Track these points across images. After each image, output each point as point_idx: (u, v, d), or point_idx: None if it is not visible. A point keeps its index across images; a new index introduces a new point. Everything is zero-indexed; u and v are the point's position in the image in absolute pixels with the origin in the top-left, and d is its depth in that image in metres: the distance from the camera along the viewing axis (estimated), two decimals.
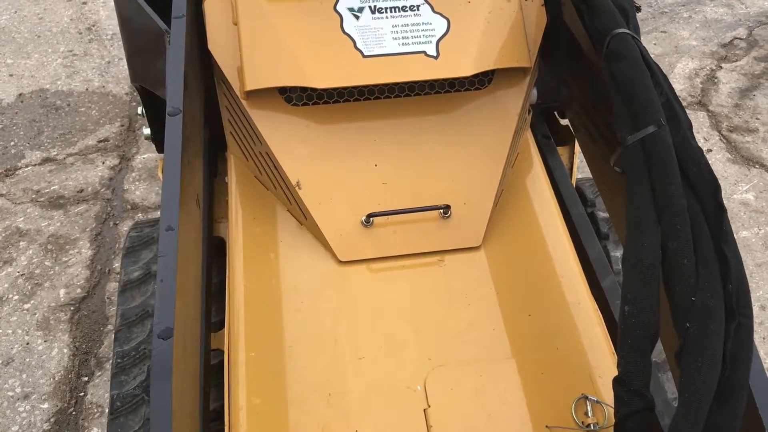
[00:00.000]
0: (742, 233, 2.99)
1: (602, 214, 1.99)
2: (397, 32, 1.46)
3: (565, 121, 2.12)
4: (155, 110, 1.81)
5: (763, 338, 2.63)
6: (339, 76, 1.44)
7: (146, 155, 3.27)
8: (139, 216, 2.97)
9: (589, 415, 1.27)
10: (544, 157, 1.73)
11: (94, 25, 4.13)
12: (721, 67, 3.97)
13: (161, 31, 1.44)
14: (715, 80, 3.87)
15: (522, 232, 1.54)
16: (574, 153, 2.00)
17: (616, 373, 1.35)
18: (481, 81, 1.55)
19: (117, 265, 2.76)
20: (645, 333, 1.00)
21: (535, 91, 1.66)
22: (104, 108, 3.55)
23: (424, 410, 1.26)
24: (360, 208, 1.47)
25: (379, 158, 1.51)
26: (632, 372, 0.99)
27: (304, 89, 1.50)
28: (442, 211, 1.46)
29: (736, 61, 4.03)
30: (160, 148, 1.91)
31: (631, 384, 0.99)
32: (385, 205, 1.47)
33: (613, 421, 1.24)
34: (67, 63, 3.84)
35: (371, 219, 1.45)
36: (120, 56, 3.89)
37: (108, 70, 3.81)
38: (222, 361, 1.51)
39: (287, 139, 1.49)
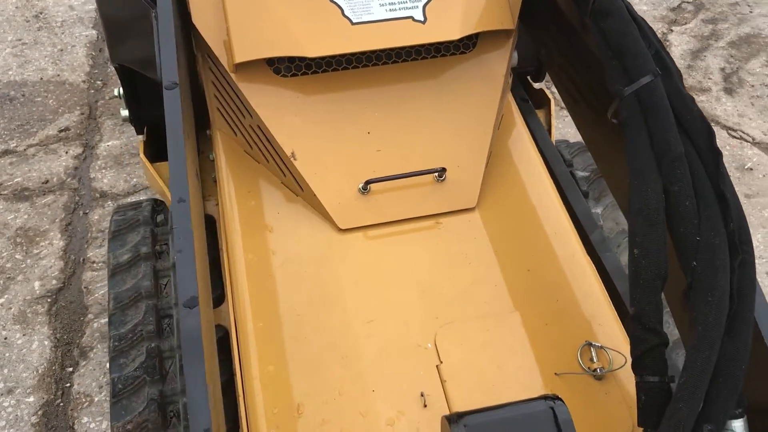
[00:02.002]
0: None
1: (581, 173, 2.04)
2: None
3: (538, 85, 2.16)
4: (135, 90, 1.78)
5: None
6: (329, 44, 1.44)
7: (110, 142, 3.21)
8: (110, 204, 2.92)
9: (594, 360, 1.32)
10: (524, 119, 1.77)
11: (41, 13, 4.00)
12: (672, 30, 4.08)
13: (145, 7, 1.42)
14: (667, 43, 3.97)
15: (513, 192, 1.58)
16: (550, 115, 2.04)
17: (613, 320, 1.41)
18: (466, 45, 1.57)
19: (91, 254, 2.72)
20: (656, 273, 1.04)
21: (516, 54, 1.69)
22: (62, 97, 3.46)
23: (437, 366, 1.30)
24: (356, 176, 1.49)
25: (372, 126, 1.52)
26: (646, 310, 1.03)
27: (292, 60, 1.50)
28: (437, 174, 1.49)
29: (686, 24, 4.14)
30: (139, 130, 1.89)
31: (646, 322, 1.03)
32: (381, 172, 1.49)
33: (615, 365, 1.30)
34: (17, 52, 3.72)
35: (368, 186, 1.47)
36: (73, 43, 3.79)
37: (61, 58, 3.70)
38: (222, 338, 1.52)
39: (278, 110, 1.49)
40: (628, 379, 1.30)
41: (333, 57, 1.49)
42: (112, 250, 1.81)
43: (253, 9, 1.45)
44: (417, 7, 1.48)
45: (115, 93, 1.89)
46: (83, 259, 2.70)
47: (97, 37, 3.85)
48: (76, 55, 3.72)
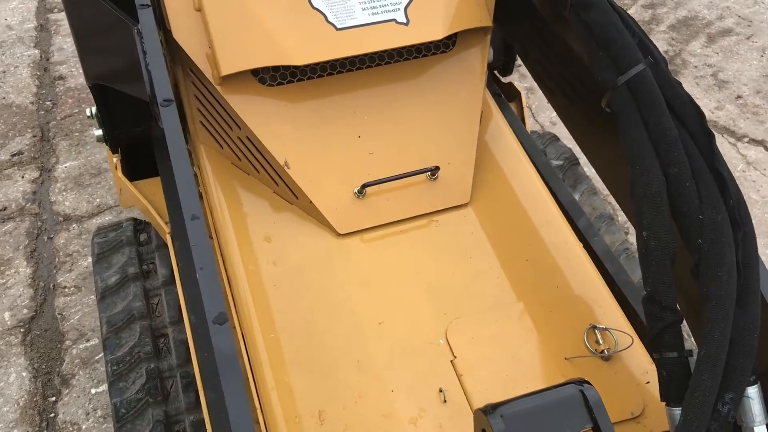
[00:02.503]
0: None
1: (555, 162, 2.09)
2: (365, 2, 1.48)
3: (506, 79, 2.20)
4: (110, 109, 1.75)
5: None
6: (316, 51, 1.45)
7: (68, 164, 3.12)
8: (75, 227, 2.85)
9: (600, 342, 1.36)
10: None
11: None
12: None
13: (126, 24, 1.39)
14: None
15: (502, 184, 1.61)
16: (522, 108, 2.08)
17: (611, 301, 1.46)
18: (446, 44, 1.60)
19: (61, 279, 2.65)
20: (666, 252, 1.09)
21: (491, 50, 1.72)
22: (10, 120, 3.35)
23: (451, 361, 1.32)
24: (351, 180, 1.50)
25: (361, 129, 1.53)
26: (660, 290, 1.08)
27: (277, 69, 1.49)
28: (430, 173, 1.51)
29: (626, 9, 4.26)
30: (114, 149, 1.85)
31: (661, 301, 1.07)
32: (375, 175, 1.50)
33: (620, 345, 1.34)
34: None
35: (364, 189, 1.48)
36: (15, 64, 3.68)
37: (5, 80, 3.59)
38: None
39: (268, 120, 1.49)
40: (633, 357, 1.35)
41: (319, 64, 1.49)
42: (99, 273, 1.77)
43: (236, 20, 1.44)
44: (399, 9, 1.49)
45: (88, 113, 1.85)
46: (54, 285, 2.63)
47: (41, 56, 3.75)
48: (21, 77, 3.61)
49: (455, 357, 1.32)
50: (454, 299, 1.41)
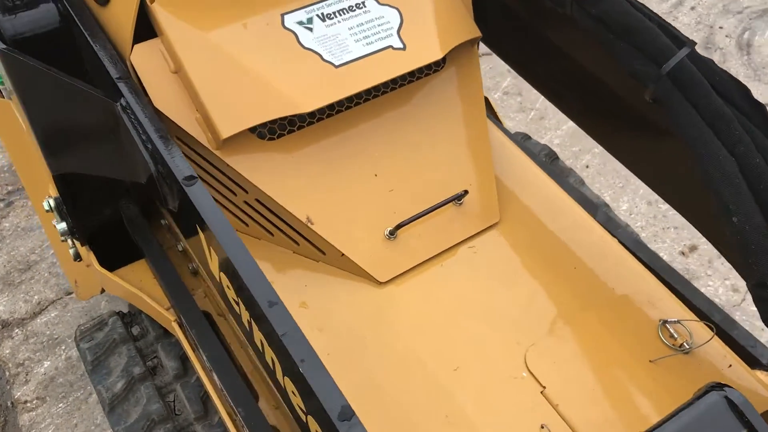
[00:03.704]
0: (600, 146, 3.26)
1: None
2: (356, 33, 1.38)
3: None
4: (75, 197, 1.55)
5: (665, 228, 2.92)
6: (322, 94, 1.33)
7: None
8: (18, 332, 2.56)
9: (675, 336, 1.32)
10: None
11: None
12: None
13: (105, 103, 1.23)
14: None
15: (521, 193, 1.55)
16: (495, 113, 2.04)
17: (666, 293, 1.42)
18: (438, 63, 1.52)
19: (19, 393, 2.36)
20: (763, 233, 1.05)
21: None
22: None
23: (542, 392, 1.24)
24: (378, 224, 1.39)
25: (376, 167, 1.43)
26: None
27: (274, 120, 1.37)
28: (457, 199, 1.43)
29: None
30: (84, 240, 1.65)
31: None
32: (401, 212, 1.41)
33: (696, 336, 1.30)
34: None
35: (396, 231, 1.37)
36: None
37: None
38: None
39: (278, 177, 1.36)
40: (709, 346, 1.31)
41: (329, 105, 1.38)
42: (99, 382, 1.57)
43: (225, 76, 1.30)
44: (392, 34, 1.40)
45: (46, 207, 1.63)
46: (12, 403, 2.34)
47: None
48: None
49: (544, 387, 1.24)
50: (520, 325, 1.33)
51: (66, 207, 1.57)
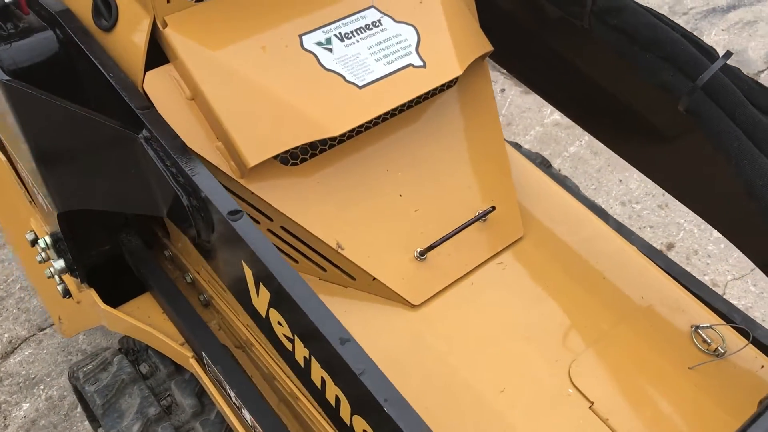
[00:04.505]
0: (571, 149, 3.32)
1: None
2: (376, 53, 1.35)
3: None
4: (75, 232, 1.47)
5: (641, 228, 2.97)
6: (348, 116, 1.29)
7: None
8: None
9: (709, 341, 1.34)
10: None
11: None
12: None
13: (124, 135, 1.16)
14: None
15: (538, 206, 1.54)
16: None
17: (689, 298, 1.43)
18: (453, 78, 1.50)
19: None
20: None
21: None
22: None
23: (590, 408, 1.23)
24: (407, 245, 1.36)
25: (400, 187, 1.40)
26: None
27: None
28: (484, 215, 1.41)
29: None
30: (83, 276, 1.56)
31: None
32: (428, 232, 1.38)
33: (728, 341, 1.32)
34: None
35: (426, 252, 1.35)
36: None
37: None
38: None
39: (305, 203, 1.31)
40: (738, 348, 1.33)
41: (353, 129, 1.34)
42: (112, 426, 1.48)
43: (249, 103, 1.25)
44: (411, 52, 1.38)
45: (42, 245, 1.54)
46: None
47: None
48: None
49: (592, 402, 1.23)
50: (558, 340, 1.32)
51: (67, 244, 1.48)
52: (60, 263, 1.55)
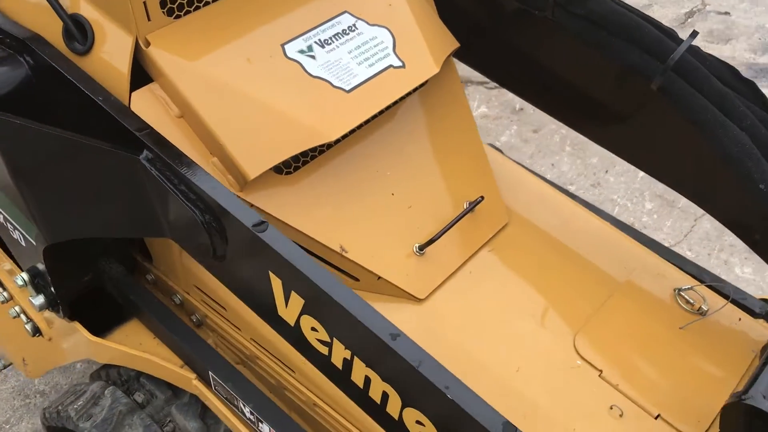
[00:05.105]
0: (502, 139, 3.43)
1: None
2: (357, 56, 1.37)
3: None
4: (64, 268, 1.42)
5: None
6: (341, 120, 1.31)
7: None
8: None
9: (692, 302, 1.44)
10: None
11: None
12: None
13: (123, 158, 1.13)
14: None
15: (516, 194, 1.61)
16: None
17: (663, 264, 1.53)
18: None
19: None
20: None
21: None
22: None
23: (600, 376, 1.30)
24: (406, 242, 1.40)
25: (391, 186, 1.43)
26: None
27: None
28: (475, 205, 1.47)
29: None
30: (67, 309, 1.51)
31: None
32: (424, 227, 1.42)
33: (709, 301, 1.42)
34: None
35: (425, 247, 1.39)
36: None
37: None
38: None
39: (305, 211, 1.32)
40: (716, 304, 1.43)
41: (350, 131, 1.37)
42: None
43: (242, 116, 1.25)
44: (389, 54, 1.41)
45: (20, 282, 1.47)
46: None
47: None
48: None
49: (601, 371, 1.31)
50: (560, 315, 1.39)
51: (51, 278, 1.43)
52: (39, 299, 1.49)
